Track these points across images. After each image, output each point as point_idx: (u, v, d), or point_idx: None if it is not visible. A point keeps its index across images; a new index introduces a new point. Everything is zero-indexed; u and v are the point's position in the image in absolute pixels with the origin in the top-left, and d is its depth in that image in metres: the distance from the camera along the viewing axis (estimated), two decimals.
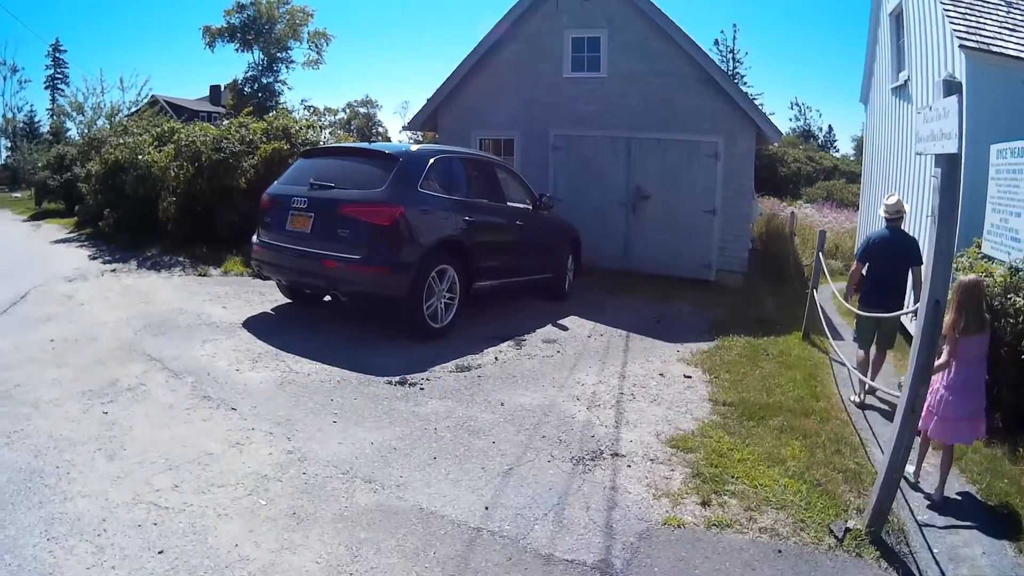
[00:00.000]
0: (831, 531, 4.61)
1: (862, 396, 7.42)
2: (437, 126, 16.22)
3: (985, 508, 5.21)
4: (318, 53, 45.38)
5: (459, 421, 5.90)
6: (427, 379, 6.89)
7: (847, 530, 4.59)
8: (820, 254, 10.47)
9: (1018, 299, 6.38)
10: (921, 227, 9.40)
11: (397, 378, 6.81)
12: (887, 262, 7.35)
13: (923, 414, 4.98)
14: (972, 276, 5.45)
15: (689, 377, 7.69)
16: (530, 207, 10.63)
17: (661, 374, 7.73)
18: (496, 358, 7.86)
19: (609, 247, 14.28)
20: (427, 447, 5.33)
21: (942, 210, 4.17)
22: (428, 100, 15.99)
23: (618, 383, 7.31)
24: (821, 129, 59.12)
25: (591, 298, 11.76)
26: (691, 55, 13.78)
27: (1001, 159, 7.59)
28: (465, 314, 8.83)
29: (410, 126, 18.48)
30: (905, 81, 12.21)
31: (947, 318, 4.91)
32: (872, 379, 7.33)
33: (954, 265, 7.51)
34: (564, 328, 9.55)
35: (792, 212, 20.06)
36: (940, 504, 5.16)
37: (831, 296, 11.66)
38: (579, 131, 14.60)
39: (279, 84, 45.43)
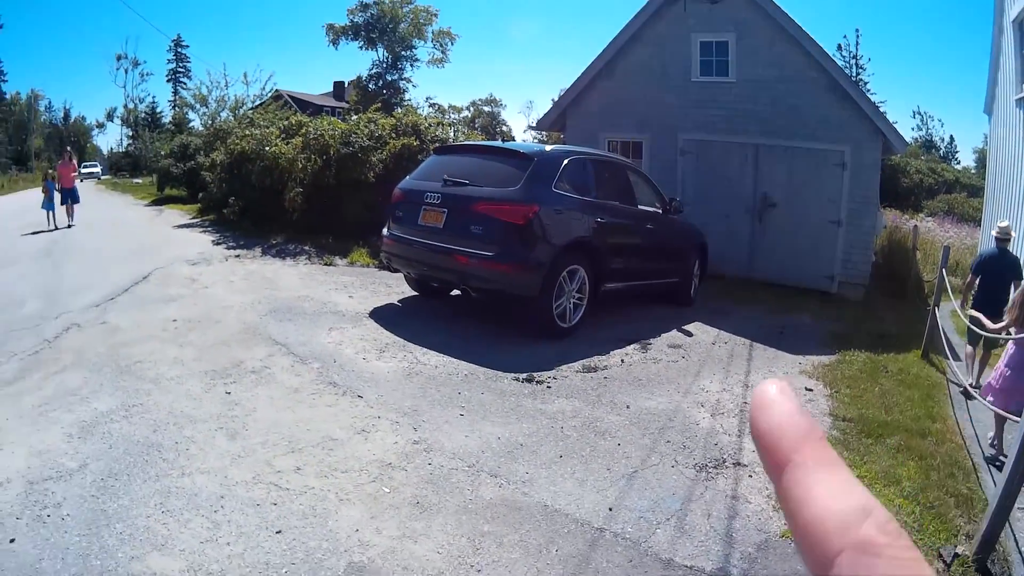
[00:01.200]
0: (940, 555, 4.61)
1: (975, 380, 8.32)
2: (565, 126, 16.43)
3: None
4: (443, 52, 46.35)
5: (585, 421, 5.94)
6: (554, 377, 6.97)
7: (956, 555, 4.57)
8: (943, 271, 10.31)
9: None
10: None
11: (524, 375, 6.91)
12: (996, 275, 8.70)
13: (987, 392, 6.82)
14: None
15: (810, 390, 7.67)
16: (660, 211, 10.63)
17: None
18: (622, 360, 7.93)
19: (733, 254, 14.25)
20: (553, 445, 5.37)
21: None
22: (556, 101, 16.38)
23: (742, 392, 7.32)
24: (943, 140, 57.40)
25: (715, 305, 11.83)
26: (819, 61, 13.67)
27: None
28: (591, 315, 8.89)
29: (538, 126, 18.82)
30: None
31: (1012, 311, 6.88)
32: (980, 372, 8.59)
33: None
34: (689, 334, 9.63)
35: (915, 226, 19.52)
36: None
37: (950, 314, 11.88)
38: (707, 136, 14.61)
39: (404, 81, 46.70)
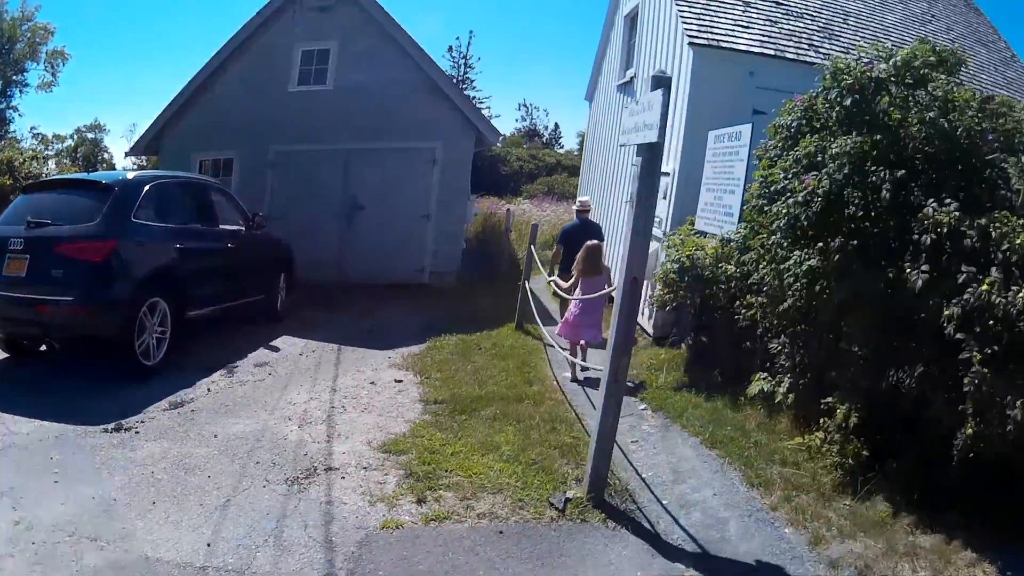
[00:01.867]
0: (551, 504, 5.01)
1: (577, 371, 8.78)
2: (159, 149, 15.76)
3: (711, 456, 6.16)
4: (53, 75, 40.78)
5: (174, 460, 5.75)
6: (141, 421, 6.67)
7: (567, 500, 5.01)
8: (532, 247, 11.59)
9: (728, 267, 7.68)
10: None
11: (112, 424, 6.50)
12: (578, 244, 9.03)
13: (564, 327, 8.68)
14: (593, 242, 8.66)
15: (400, 382, 8.20)
16: (243, 228, 10.61)
17: (372, 383, 8.15)
18: (209, 389, 7.75)
19: (326, 260, 14.34)
20: (146, 493, 5.15)
21: (640, 195, 4.76)
22: (152, 123, 15.38)
23: (329, 397, 7.62)
24: (547, 127, 61.63)
25: (306, 315, 11.96)
26: (418, 63, 14.51)
27: (718, 143, 8.96)
28: (179, 345, 8.64)
29: (132, 151, 17.80)
30: (631, 78, 13.60)
31: (576, 266, 8.61)
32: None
33: (666, 242, 9.09)
34: (276, 349, 9.71)
35: (508, 209, 21.08)
36: (582, 381, 8.32)
37: (546, 285, 12.33)
38: (300, 146, 14.61)
39: (11, 111, 40.54)
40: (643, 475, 5.87)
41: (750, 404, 6.88)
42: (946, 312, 4.48)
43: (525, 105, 61.73)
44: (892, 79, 5.53)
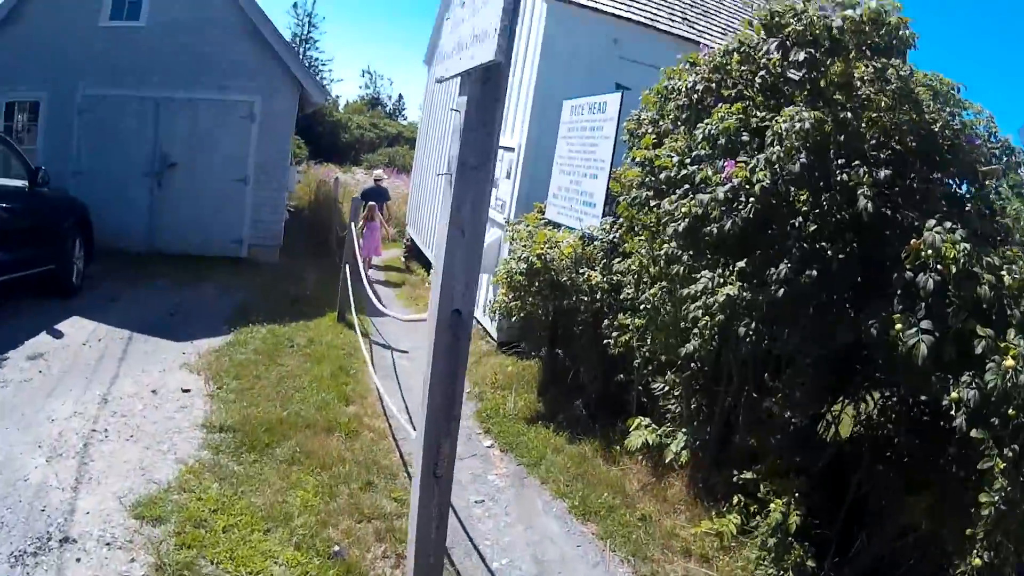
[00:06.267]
0: None
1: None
2: None
3: (585, 536, 4.45)
4: None
5: None
6: None
7: None
8: (353, 224, 9.55)
9: (592, 274, 5.76)
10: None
11: None
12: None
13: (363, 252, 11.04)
14: (371, 203, 13.81)
15: (187, 391, 6.24)
16: (25, 184, 8.25)
17: (154, 391, 6.17)
18: None
19: (134, 226, 11.86)
20: None
21: (465, 162, 2.53)
22: None
23: (96, 412, 5.60)
24: (391, 97, 59.22)
25: (106, 289, 9.47)
26: (240, 4, 11.89)
27: (575, 116, 7.01)
28: None
29: None
30: None
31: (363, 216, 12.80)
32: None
33: (510, 233, 6.93)
34: (59, 335, 7.43)
35: (336, 178, 18.91)
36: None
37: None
38: (110, 90, 11.89)
39: None
40: (492, 566, 4.11)
41: (628, 456, 5.16)
42: (953, 395, 2.92)
43: (369, 72, 60.16)
44: (852, 35, 3.82)
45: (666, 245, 4.26)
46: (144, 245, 11.97)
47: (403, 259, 15.78)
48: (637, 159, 4.77)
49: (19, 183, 8.18)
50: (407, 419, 5.93)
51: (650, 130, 4.92)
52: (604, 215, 6.14)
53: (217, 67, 12.04)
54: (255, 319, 8.60)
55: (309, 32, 48.72)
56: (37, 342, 7.15)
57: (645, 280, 4.78)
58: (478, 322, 8.83)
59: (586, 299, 5.86)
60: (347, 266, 8.98)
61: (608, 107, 6.37)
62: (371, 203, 13.62)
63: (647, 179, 4.65)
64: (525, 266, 6.15)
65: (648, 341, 4.75)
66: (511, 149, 8.52)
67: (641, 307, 4.75)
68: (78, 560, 3.71)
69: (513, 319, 6.76)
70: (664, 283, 4.41)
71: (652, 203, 4.53)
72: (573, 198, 6.90)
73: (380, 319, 9.47)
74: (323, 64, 43.18)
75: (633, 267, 4.99)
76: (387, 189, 16.47)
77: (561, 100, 7.50)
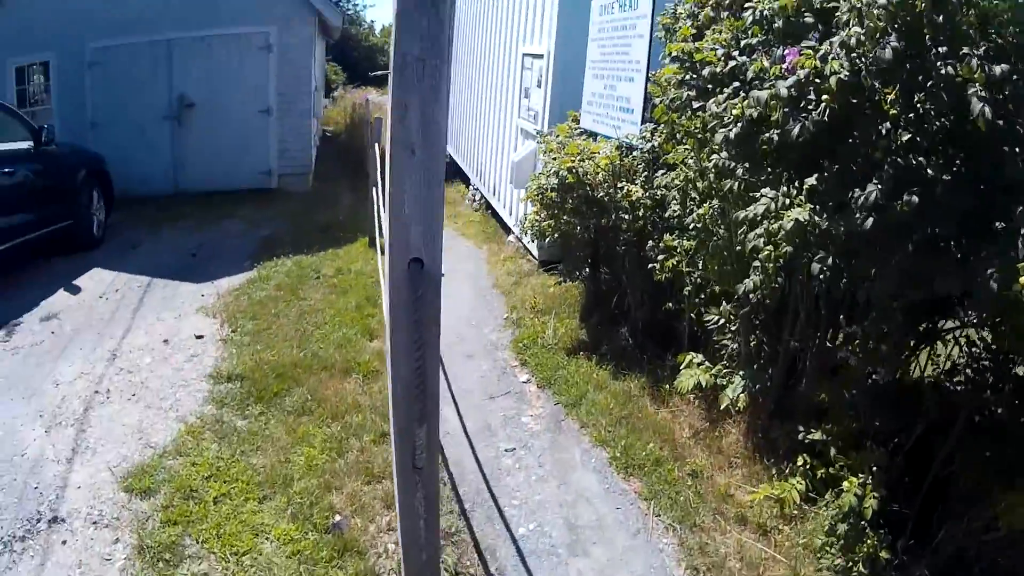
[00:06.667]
0: None
1: None
2: None
3: (626, 495, 3.86)
4: None
5: None
6: None
7: None
8: (376, 145, 8.75)
9: (633, 188, 5.00)
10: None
11: None
12: None
13: None
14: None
15: (200, 337, 5.79)
16: (30, 145, 7.84)
17: (165, 340, 5.75)
18: None
19: (156, 170, 11.40)
20: None
21: (406, 52, 1.69)
22: None
23: (103, 370, 5.19)
24: None
25: (128, 236, 9.04)
26: None
27: (606, 15, 6.13)
28: None
29: None
30: None
31: None
32: None
33: (542, 145, 6.20)
34: (77, 290, 7.01)
35: (367, 99, 18.15)
36: None
37: None
38: (119, 39, 11.26)
39: None
40: (517, 533, 3.55)
41: (679, 396, 4.45)
42: None
43: None
44: None
45: (715, 155, 3.47)
46: (169, 187, 11.57)
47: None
48: (673, 53, 3.93)
49: (23, 145, 7.81)
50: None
51: (688, 24, 4.11)
52: (644, 121, 5.27)
53: (227, 2, 11.39)
54: (281, 252, 8.12)
55: None
56: (52, 301, 6.77)
57: (693, 196, 4.00)
58: (519, 239, 8.20)
59: (627, 217, 5.10)
60: (375, 188, 8.36)
61: (640, 2, 5.48)
62: None
63: (687, 76, 3.85)
64: (556, 180, 5.36)
65: (699, 267, 4.03)
66: (539, 56, 7.67)
67: (690, 227, 4.01)
68: (64, 543, 3.38)
69: (547, 241, 6.06)
70: (716, 201, 3.66)
71: (695, 105, 3.76)
72: (609, 104, 6.02)
73: None
74: None
75: (678, 181, 4.22)
76: None
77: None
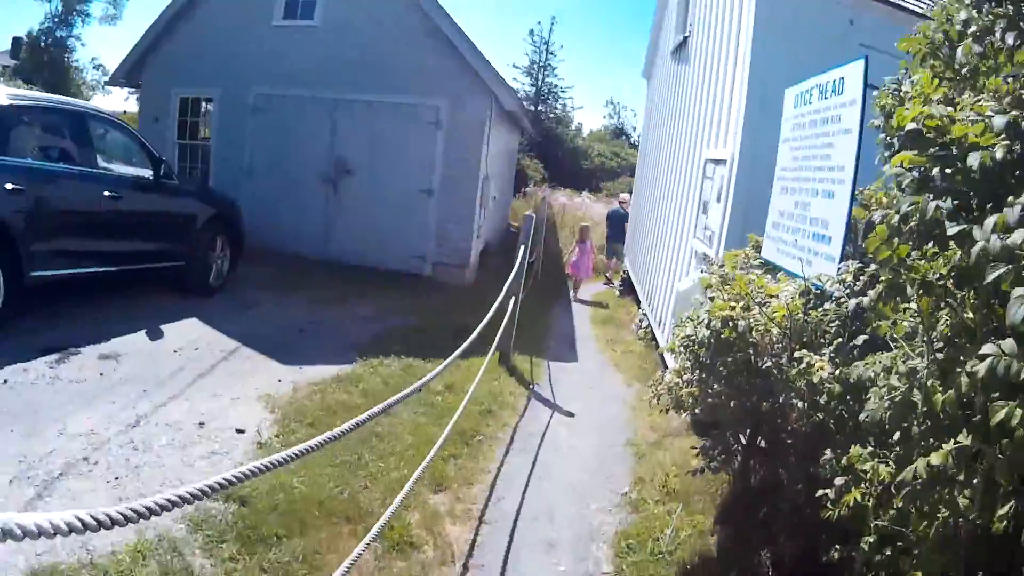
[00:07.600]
0: None
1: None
2: (142, 82, 12.73)
3: None
4: (115, 6, 37.38)
5: None
6: None
7: None
8: (523, 247, 7.66)
9: (817, 360, 3.11)
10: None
11: None
12: (617, 227, 15.82)
13: (570, 267, 13.88)
14: (584, 224, 15.28)
15: (242, 432, 4.73)
16: (149, 175, 7.52)
17: (201, 423, 4.76)
18: (5, 381, 4.82)
19: (308, 231, 11.21)
20: None
21: None
22: (131, 50, 12.20)
23: (113, 435, 4.35)
24: (635, 128, 57.87)
25: (250, 294, 8.47)
26: (420, 2, 10.69)
27: (802, 106, 4.30)
28: (32, 309, 6.09)
29: (111, 81, 14.28)
30: (685, 38, 9.56)
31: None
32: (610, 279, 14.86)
33: (708, 277, 4.55)
34: (158, 336, 6.37)
35: (544, 197, 17.38)
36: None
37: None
38: (284, 90, 11.34)
39: (72, 39, 37.06)
40: None
41: None
42: None
43: (612, 103, 59.16)
44: None
45: (984, 346, 1.75)
46: (319, 252, 11.11)
47: (617, 291, 14.07)
48: (907, 127, 2.24)
49: (141, 172, 7.54)
50: (509, 531, 3.97)
51: (929, 73, 2.49)
52: (845, 257, 3.43)
53: (397, 69, 11.00)
54: (396, 349, 6.98)
55: (547, 59, 47.53)
56: (125, 340, 6.14)
57: (916, 406, 2.14)
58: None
59: (801, 404, 3.26)
60: (513, 298, 7.16)
61: (847, 85, 3.60)
62: (584, 224, 14.68)
63: (932, 169, 2.12)
64: (707, 332, 3.69)
65: (897, 517, 2.26)
66: (722, 162, 6.24)
67: (894, 448, 2.32)
68: None
69: (684, 414, 4.38)
70: (967, 432, 1.93)
71: (952, 229, 1.97)
72: (797, 228, 4.05)
73: (558, 364, 7.74)
74: (562, 91, 41.81)
75: (889, 365, 2.42)
76: (628, 213, 16.01)
77: (782, 91, 4.72)
